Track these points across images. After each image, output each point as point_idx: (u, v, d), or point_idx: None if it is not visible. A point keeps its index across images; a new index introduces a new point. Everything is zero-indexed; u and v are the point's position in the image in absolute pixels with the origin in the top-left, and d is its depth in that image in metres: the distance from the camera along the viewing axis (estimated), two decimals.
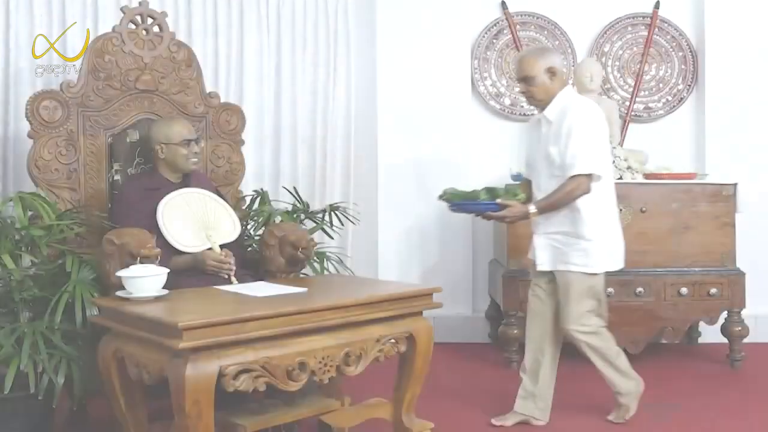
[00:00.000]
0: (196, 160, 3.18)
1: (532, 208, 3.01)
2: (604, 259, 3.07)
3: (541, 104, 3.10)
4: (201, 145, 3.26)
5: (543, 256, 3.13)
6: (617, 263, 3.16)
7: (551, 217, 3.08)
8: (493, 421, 3.21)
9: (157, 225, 2.96)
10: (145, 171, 3.29)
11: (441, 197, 3.06)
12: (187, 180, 3.19)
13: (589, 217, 3.02)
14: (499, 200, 3.00)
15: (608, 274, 3.12)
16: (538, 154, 3.14)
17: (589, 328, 3.09)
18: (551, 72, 3.05)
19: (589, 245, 3.03)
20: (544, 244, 3.12)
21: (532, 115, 4.84)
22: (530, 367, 3.22)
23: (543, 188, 3.10)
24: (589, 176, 2.96)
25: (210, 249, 2.97)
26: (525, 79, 3.10)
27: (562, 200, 2.99)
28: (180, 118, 3.24)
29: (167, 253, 2.89)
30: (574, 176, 2.95)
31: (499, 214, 3.01)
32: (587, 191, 2.97)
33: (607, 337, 3.15)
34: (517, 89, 3.18)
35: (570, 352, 3.30)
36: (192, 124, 3.43)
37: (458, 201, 3.04)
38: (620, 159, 4.20)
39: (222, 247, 3.01)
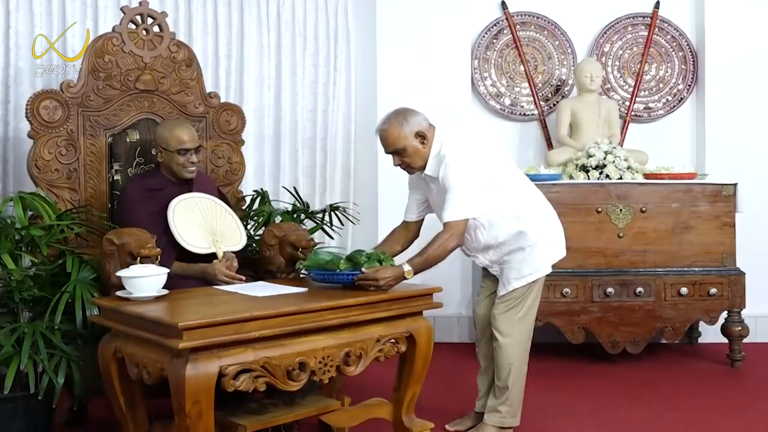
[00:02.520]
0: (192, 169, 3.12)
1: (406, 267, 2.72)
2: (548, 255, 3.00)
3: (421, 168, 2.93)
4: (200, 155, 3.20)
5: (506, 281, 3.02)
6: (561, 252, 3.08)
7: (488, 250, 3.00)
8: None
9: (163, 224, 2.95)
10: (147, 171, 3.29)
11: (302, 264, 2.76)
12: (189, 181, 3.19)
13: (519, 226, 2.93)
14: (364, 269, 2.65)
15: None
16: (435, 203, 3.01)
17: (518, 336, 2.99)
18: (421, 136, 2.87)
19: (530, 251, 2.95)
20: (501, 270, 3.04)
21: (533, 114, 4.88)
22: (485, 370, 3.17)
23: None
24: (462, 221, 2.82)
25: (217, 259, 2.97)
26: (396, 153, 2.90)
27: (437, 253, 2.79)
28: (184, 124, 3.16)
29: (173, 252, 2.89)
30: (446, 224, 2.82)
31: (369, 280, 2.64)
32: (460, 236, 2.84)
33: (525, 355, 3.03)
34: (392, 160, 2.95)
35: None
36: (192, 124, 3.43)
37: (318, 270, 2.71)
38: (620, 159, 4.20)
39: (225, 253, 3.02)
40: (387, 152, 2.95)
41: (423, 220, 3.15)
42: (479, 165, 2.89)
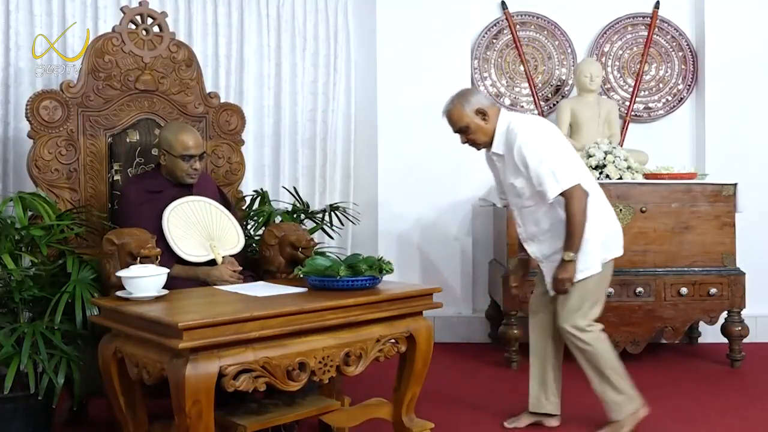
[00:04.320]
0: (194, 176, 3.12)
1: (567, 256, 2.90)
2: (598, 254, 3.00)
3: (487, 144, 3.04)
4: (203, 162, 3.19)
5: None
6: (615, 251, 3.08)
7: (543, 241, 3.04)
8: (506, 424, 3.18)
9: (161, 230, 2.95)
10: (146, 171, 3.29)
11: (301, 270, 2.74)
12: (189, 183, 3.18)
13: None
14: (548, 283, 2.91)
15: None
16: (505, 186, 3.10)
17: (585, 329, 3.02)
18: (481, 113, 2.99)
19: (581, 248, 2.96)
20: (549, 269, 3.04)
21: (533, 114, 4.88)
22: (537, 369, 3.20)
23: (524, 215, 3.07)
24: (575, 186, 2.88)
25: (216, 260, 2.97)
26: (461, 131, 3.05)
27: (578, 223, 2.87)
28: (190, 130, 3.15)
29: (170, 259, 2.89)
30: (564, 194, 2.88)
31: (561, 285, 2.93)
32: (585, 197, 2.90)
33: (603, 343, 3.05)
34: (461, 139, 3.09)
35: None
36: (192, 124, 3.43)
37: (318, 277, 2.68)
38: (620, 159, 4.19)
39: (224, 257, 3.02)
40: (454, 132, 3.10)
41: None
42: (556, 138, 2.99)
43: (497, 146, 3.01)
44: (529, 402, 3.19)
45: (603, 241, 3.02)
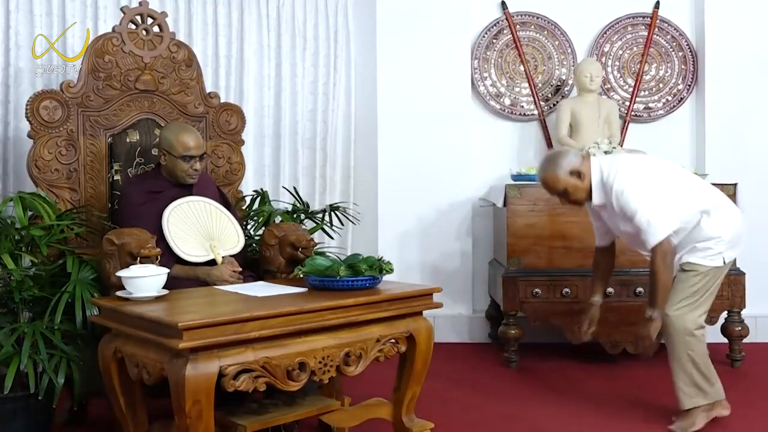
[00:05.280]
0: (194, 176, 3.12)
1: (654, 314, 2.97)
2: (723, 252, 3.05)
3: (588, 199, 3.08)
4: (204, 162, 3.19)
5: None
6: (736, 251, 3.15)
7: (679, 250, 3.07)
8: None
9: (161, 231, 2.95)
10: (146, 172, 3.29)
11: (301, 270, 2.74)
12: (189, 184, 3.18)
13: (702, 228, 3.03)
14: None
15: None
16: (621, 234, 3.14)
17: (686, 318, 3.02)
18: (575, 173, 3.02)
19: (710, 244, 3.02)
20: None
21: (533, 114, 4.89)
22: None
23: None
24: (664, 240, 2.93)
25: (215, 261, 2.97)
26: (561, 195, 3.10)
27: (663, 279, 2.94)
28: (191, 130, 3.14)
29: (170, 260, 2.89)
30: (653, 249, 2.94)
31: (644, 338, 3.03)
32: (670, 252, 2.95)
33: (699, 341, 3.08)
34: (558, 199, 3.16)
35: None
36: (192, 124, 3.43)
37: (318, 277, 2.67)
38: None
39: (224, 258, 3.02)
40: (551, 194, 3.16)
41: (614, 239, 3.32)
42: (649, 180, 2.99)
43: (597, 199, 3.04)
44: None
45: (731, 239, 3.07)
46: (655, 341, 3.12)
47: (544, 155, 3.11)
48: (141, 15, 3.44)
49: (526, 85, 4.90)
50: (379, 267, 2.69)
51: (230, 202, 3.42)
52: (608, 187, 2.99)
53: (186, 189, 3.14)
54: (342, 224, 3.91)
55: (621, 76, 4.95)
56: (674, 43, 4.93)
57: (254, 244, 3.43)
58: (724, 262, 3.07)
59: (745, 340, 4.14)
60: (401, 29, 4.75)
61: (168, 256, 2.87)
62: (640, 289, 4.01)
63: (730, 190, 4.07)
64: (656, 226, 2.93)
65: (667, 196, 3.00)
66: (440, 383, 3.75)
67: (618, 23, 4.94)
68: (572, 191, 3.05)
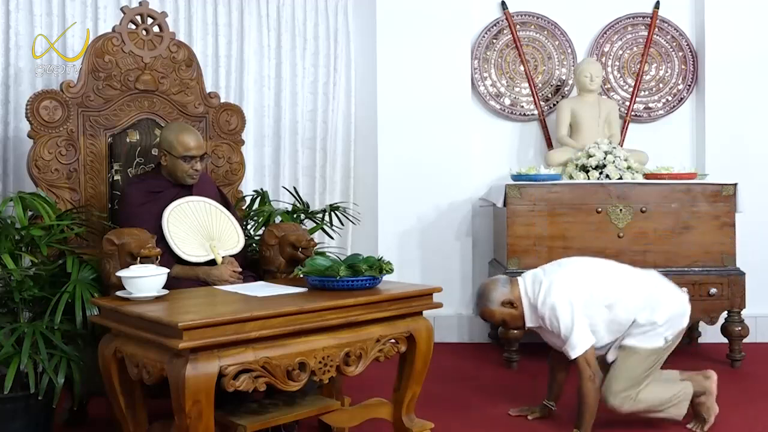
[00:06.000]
0: (194, 176, 3.12)
1: None
2: (662, 334, 3.02)
3: (523, 322, 3.09)
4: (204, 163, 3.18)
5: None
6: (680, 326, 3.08)
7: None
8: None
9: (161, 231, 2.95)
10: (146, 172, 3.29)
11: (301, 270, 2.74)
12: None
13: (638, 321, 2.99)
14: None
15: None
16: (553, 346, 3.15)
17: (632, 401, 3.03)
18: (507, 303, 3.04)
19: (646, 329, 3.01)
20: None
21: (533, 114, 4.89)
22: None
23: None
24: (587, 351, 2.92)
25: (215, 261, 2.97)
26: (503, 324, 3.15)
27: (589, 401, 2.92)
28: (191, 131, 3.14)
29: (170, 260, 2.89)
30: (575, 362, 2.95)
31: None
32: (592, 364, 2.92)
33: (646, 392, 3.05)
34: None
35: None
36: (192, 124, 3.43)
37: (318, 277, 2.67)
38: (620, 159, 4.20)
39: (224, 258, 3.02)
40: (496, 325, 3.27)
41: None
42: (571, 299, 2.96)
43: (530, 322, 3.06)
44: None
45: (667, 320, 3.00)
46: None
47: (477, 288, 3.16)
48: (141, 15, 3.44)
49: (526, 85, 4.90)
50: (379, 267, 2.69)
51: (230, 202, 3.42)
52: (534, 309, 3.02)
53: (186, 189, 3.14)
54: (342, 224, 3.91)
55: (621, 76, 4.95)
56: (674, 43, 4.93)
57: (254, 244, 3.44)
58: (666, 341, 3.01)
59: (745, 340, 4.14)
60: (401, 29, 4.75)
61: (168, 256, 2.87)
62: None
63: (730, 190, 4.08)
64: (578, 340, 2.92)
65: (591, 313, 2.97)
66: (440, 383, 3.75)
67: (618, 23, 4.94)
68: (509, 320, 3.08)
